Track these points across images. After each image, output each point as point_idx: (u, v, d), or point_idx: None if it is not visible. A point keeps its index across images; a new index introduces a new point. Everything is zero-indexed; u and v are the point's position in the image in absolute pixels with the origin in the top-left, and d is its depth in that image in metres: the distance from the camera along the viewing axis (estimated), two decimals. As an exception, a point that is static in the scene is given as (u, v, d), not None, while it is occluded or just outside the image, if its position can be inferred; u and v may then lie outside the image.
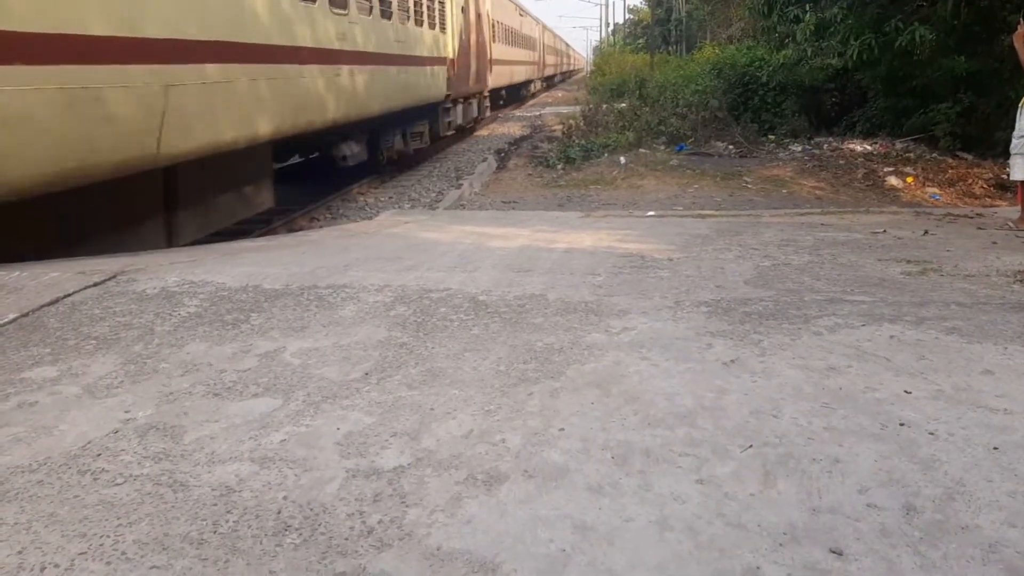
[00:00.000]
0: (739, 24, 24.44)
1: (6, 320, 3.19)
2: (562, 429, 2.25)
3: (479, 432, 2.25)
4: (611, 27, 76.35)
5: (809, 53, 12.94)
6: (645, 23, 54.23)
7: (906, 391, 2.54)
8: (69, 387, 2.58)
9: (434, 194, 11.86)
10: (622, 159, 13.03)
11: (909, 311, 3.39)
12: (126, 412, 2.40)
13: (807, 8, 12.78)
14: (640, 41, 54.40)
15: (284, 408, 2.44)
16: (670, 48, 39.54)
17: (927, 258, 4.83)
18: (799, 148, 13.86)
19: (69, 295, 3.51)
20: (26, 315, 3.25)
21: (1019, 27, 6.48)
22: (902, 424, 2.30)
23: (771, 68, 14.87)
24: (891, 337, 3.04)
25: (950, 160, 12.45)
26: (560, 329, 3.14)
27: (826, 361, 2.77)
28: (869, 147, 13.35)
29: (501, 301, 3.58)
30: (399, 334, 3.12)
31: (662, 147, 14.11)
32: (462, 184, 11.86)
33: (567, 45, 78.46)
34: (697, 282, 3.96)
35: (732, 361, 2.75)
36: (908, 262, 4.67)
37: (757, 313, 3.33)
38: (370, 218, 9.03)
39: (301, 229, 8.85)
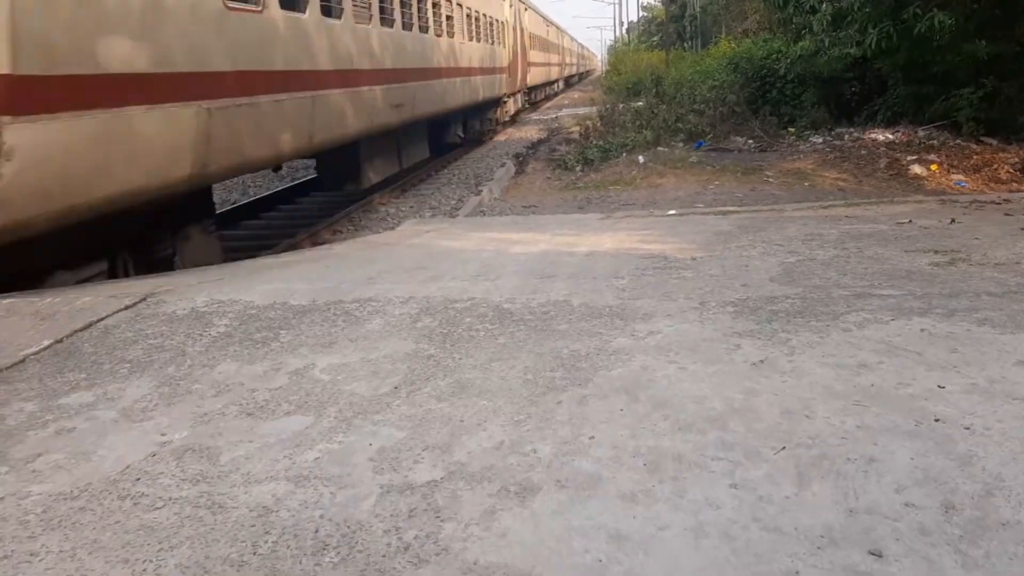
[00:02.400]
0: (754, 17, 24.26)
1: (41, 347, 3.25)
2: (592, 437, 2.25)
3: (510, 443, 2.26)
4: (625, 25, 76.21)
5: (827, 43, 12.79)
6: (659, 20, 54.01)
7: (939, 386, 2.51)
8: (106, 412, 2.63)
9: (454, 201, 11.91)
10: (641, 158, 12.99)
11: (939, 303, 3.35)
12: (162, 435, 2.44)
13: (823, -2, 12.65)
14: (655, 39, 54.20)
15: (316, 425, 2.46)
16: (685, 44, 39.36)
17: (955, 248, 4.77)
18: (820, 140, 13.72)
19: (102, 319, 3.57)
20: (60, 341, 3.32)
21: None
22: (937, 420, 2.27)
23: (789, 60, 14.75)
24: (922, 331, 3.00)
25: (974, 146, 12.27)
26: (586, 335, 3.14)
27: (856, 358, 2.74)
28: (891, 136, 13.19)
29: (525, 308, 3.59)
30: (426, 346, 3.14)
31: (681, 144, 14.04)
32: (481, 190, 11.89)
33: (582, 46, 79.54)
34: (722, 281, 3.94)
35: (761, 361, 2.74)
36: (936, 252, 4.61)
37: (784, 311, 3.30)
38: (392, 228, 9.09)
39: (325, 241, 8.94)
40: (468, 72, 16.78)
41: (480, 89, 18.37)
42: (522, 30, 26.36)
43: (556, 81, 45.15)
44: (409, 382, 2.77)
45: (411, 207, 11.59)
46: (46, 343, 3.28)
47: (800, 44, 14.21)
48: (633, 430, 2.27)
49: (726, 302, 3.49)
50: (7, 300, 3.92)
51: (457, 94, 15.77)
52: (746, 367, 2.70)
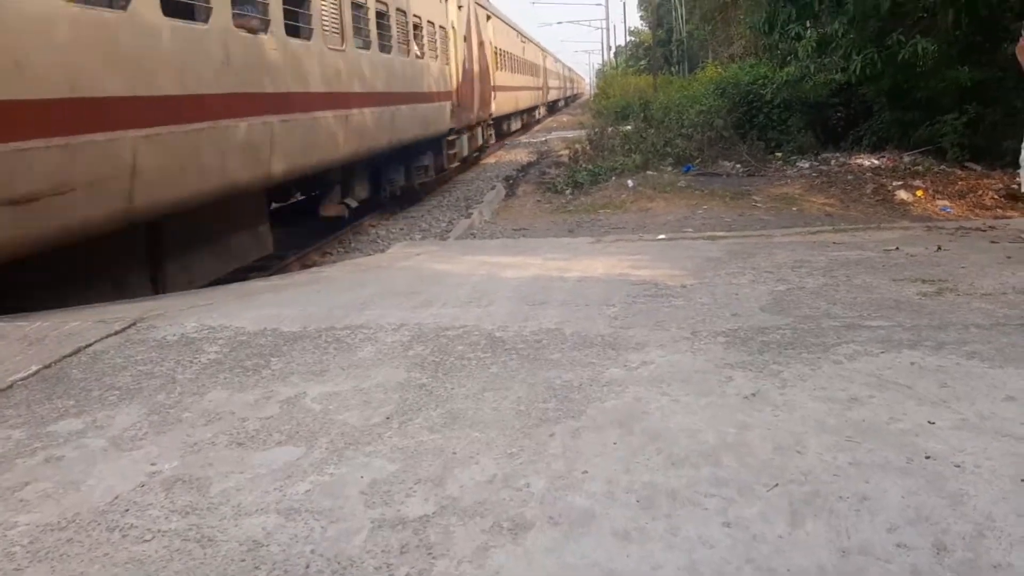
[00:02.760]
0: (740, 43, 24.58)
1: (30, 372, 3.22)
2: (586, 472, 2.25)
3: (503, 477, 2.25)
4: (613, 50, 77.02)
5: (812, 69, 13.01)
6: (646, 44, 54.62)
7: (930, 421, 2.52)
8: (95, 440, 2.60)
9: (444, 224, 11.94)
10: (630, 182, 13.08)
11: (928, 335, 3.38)
12: (152, 464, 2.42)
13: (808, 25, 12.86)
14: (642, 63, 54.75)
15: (307, 456, 2.45)
16: (672, 68, 39.79)
17: (942, 276, 4.82)
18: (807, 164, 13.88)
19: (91, 344, 3.55)
20: (49, 367, 3.29)
21: (1021, 38, 6.50)
22: (928, 457, 2.29)
23: (775, 85, 14.95)
24: (912, 364, 3.03)
25: (959, 171, 12.44)
26: (578, 365, 3.15)
27: (848, 391, 2.76)
28: (877, 161, 13.36)
29: (518, 337, 3.59)
30: (418, 375, 3.13)
31: (669, 168, 14.16)
32: (472, 213, 11.93)
33: (570, 69, 79.28)
34: (713, 310, 3.96)
35: (753, 394, 2.75)
36: (923, 281, 4.65)
37: (775, 342, 3.32)
38: (382, 251, 9.09)
39: (315, 264, 8.92)
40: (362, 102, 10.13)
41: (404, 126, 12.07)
42: (482, 43, 19.73)
43: (535, 108, 38.57)
44: (401, 412, 2.77)
45: (401, 229, 11.61)
46: (34, 368, 3.25)
47: (786, 70, 14.42)
48: (627, 464, 2.27)
49: (717, 332, 3.51)
50: (-6, 324, 3.89)
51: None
52: (738, 400, 2.71)
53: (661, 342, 3.39)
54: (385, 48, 11.24)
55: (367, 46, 10.50)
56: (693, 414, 2.60)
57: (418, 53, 13.19)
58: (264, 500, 2.19)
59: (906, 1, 11.85)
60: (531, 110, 36.65)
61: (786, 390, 2.79)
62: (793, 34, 12.95)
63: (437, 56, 14.43)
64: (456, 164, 16.49)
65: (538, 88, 38.53)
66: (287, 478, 2.32)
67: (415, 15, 12.91)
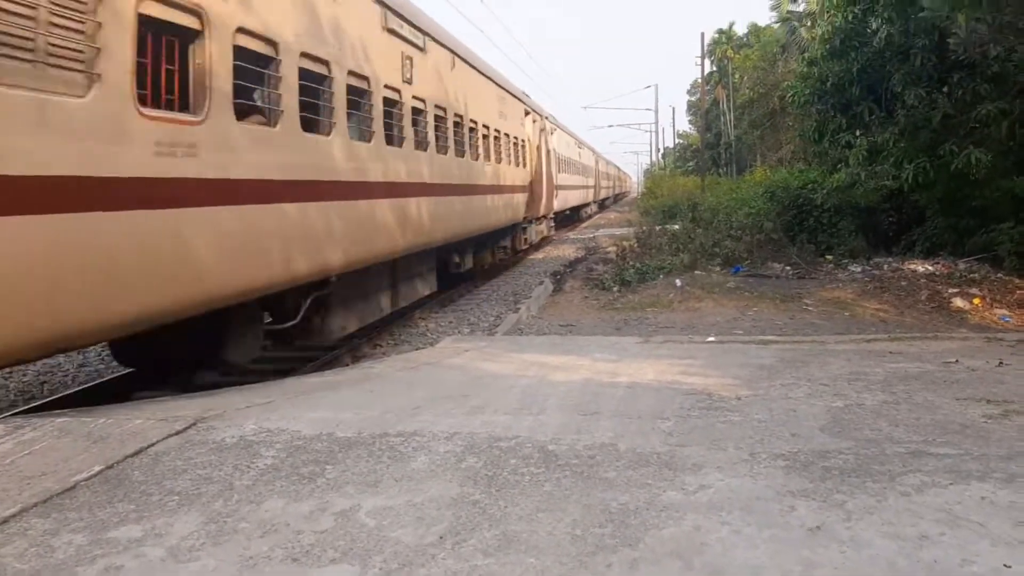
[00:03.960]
0: (789, 147, 24.89)
1: (92, 473, 3.29)
2: (646, 608, 2.19)
3: (560, 610, 2.20)
4: (661, 151, 78.60)
5: (863, 176, 13.05)
6: (694, 146, 55.64)
7: (1005, 565, 2.41)
8: (153, 549, 2.62)
9: (492, 318, 12.02)
10: (678, 281, 13.08)
11: (997, 466, 3.26)
12: (208, 579, 2.43)
13: (858, 134, 12.99)
14: (690, 164, 55.69)
15: (362, 577, 2.43)
16: (720, 170, 40.34)
17: (1007, 396, 4.67)
18: (858, 269, 13.76)
19: (152, 444, 3.62)
20: (111, 467, 3.35)
21: None
22: (1007, 606, 2.17)
23: (825, 191, 15.00)
24: (982, 498, 2.91)
25: (1017, 280, 12.19)
26: (634, 486, 3.10)
27: (917, 528, 2.66)
28: (931, 267, 13.18)
29: (571, 451, 3.56)
30: (471, 490, 3.11)
31: (718, 269, 14.15)
32: (519, 308, 12.00)
33: (618, 169, 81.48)
34: (771, 428, 3.88)
35: (817, 527, 2.66)
36: (988, 402, 4.52)
37: (838, 468, 3.23)
38: (431, 344, 9.17)
39: (365, 355, 9.03)
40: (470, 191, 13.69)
41: (490, 213, 15.33)
42: (549, 151, 23.85)
43: (588, 204, 42.86)
44: (454, 531, 2.74)
45: (450, 322, 11.72)
46: (97, 469, 3.32)
47: (836, 176, 14.49)
48: (688, 602, 2.21)
49: (777, 454, 3.43)
50: (61, 419, 4.01)
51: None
52: (802, 533, 2.63)
53: (719, 464, 3.32)
54: (489, 158, 15.35)
55: (487, 157, 15.10)
56: (755, 547, 2.53)
57: (510, 161, 17.58)
58: (319, 623, 2.17)
59: (958, 113, 11.93)
60: (584, 206, 40.88)
61: (852, 524, 2.70)
62: (843, 142, 13.10)
63: (518, 163, 18.62)
64: (526, 247, 20.59)
65: (590, 187, 42.33)
66: (341, 600, 2.30)
67: (506, 133, 17.18)
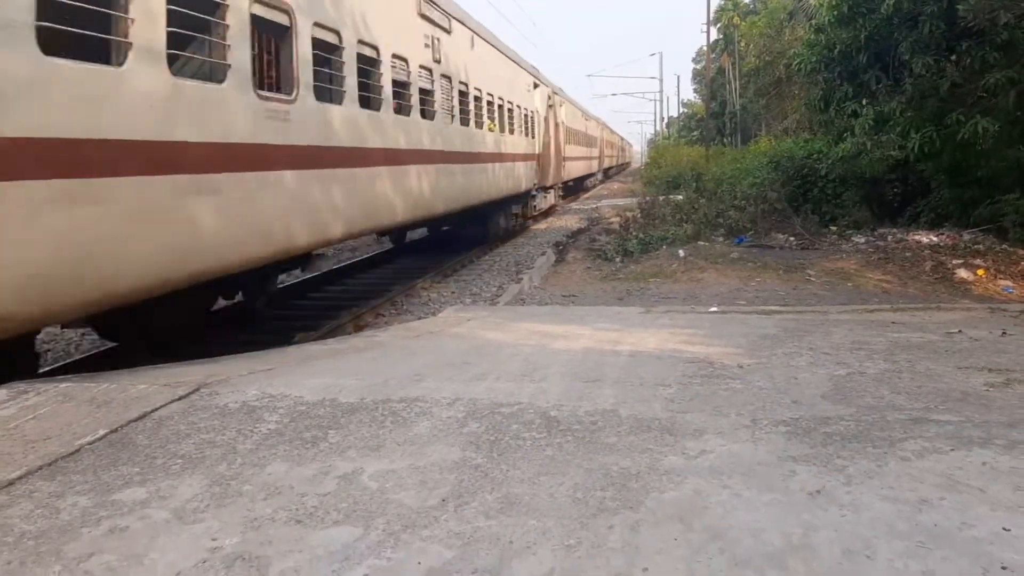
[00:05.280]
0: (794, 117, 24.65)
1: (97, 436, 3.31)
2: (646, 569, 2.20)
3: (561, 571, 2.22)
4: (665, 120, 77.93)
5: (868, 146, 12.93)
6: (699, 116, 55.14)
7: (1005, 528, 2.42)
8: (158, 511, 2.64)
9: (494, 288, 12.01)
10: (681, 252, 13.05)
11: (999, 433, 3.26)
12: (213, 540, 2.45)
13: (864, 103, 12.85)
14: (695, 134, 55.20)
15: (365, 538, 2.45)
16: (725, 140, 40.00)
17: (1009, 365, 4.67)
18: (862, 240, 13.70)
19: (156, 409, 3.64)
20: (115, 431, 3.37)
21: None
22: (1004, 568, 2.19)
23: (830, 161, 14.88)
24: (983, 464, 2.92)
25: (1021, 251, 12.14)
26: (635, 451, 3.11)
27: (917, 492, 2.67)
28: (935, 238, 13.13)
29: (573, 417, 3.57)
30: (473, 455, 3.13)
31: (721, 239, 14.12)
32: (522, 278, 12.00)
33: (621, 139, 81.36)
34: (772, 395, 3.89)
35: (818, 491, 2.68)
36: (990, 371, 4.52)
37: (839, 434, 3.24)
38: (434, 314, 9.18)
39: (368, 325, 9.04)
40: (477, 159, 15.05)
41: (498, 182, 16.45)
42: (557, 124, 24.86)
43: (594, 174, 44.26)
44: (457, 495, 2.76)
45: (452, 292, 11.72)
46: (101, 432, 3.34)
47: (841, 145, 14.36)
48: (688, 563, 2.22)
49: (778, 420, 3.44)
50: (64, 385, 4.02)
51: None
52: (803, 497, 2.64)
53: (720, 429, 3.33)
54: (504, 129, 16.97)
55: (502, 129, 16.78)
56: (756, 511, 2.54)
57: (523, 132, 19.34)
58: (322, 583, 2.19)
59: (965, 82, 11.78)
60: (590, 175, 41.95)
61: (852, 488, 2.71)
62: (849, 111, 12.96)
63: (525, 133, 19.75)
64: (536, 214, 22.22)
65: (596, 157, 43.70)
66: (345, 560, 2.32)
67: (518, 106, 18.75)
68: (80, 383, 4.10)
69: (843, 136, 13.87)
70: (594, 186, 44.74)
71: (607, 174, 56.88)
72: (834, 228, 14.59)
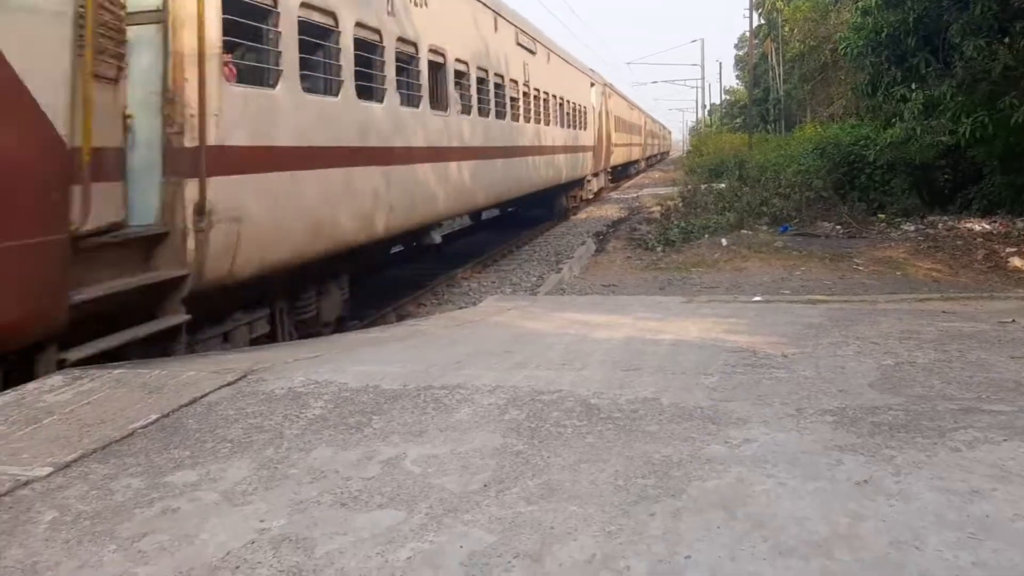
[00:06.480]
0: (840, 102, 24.12)
1: (149, 421, 3.40)
2: (688, 557, 2.19)
3: (602, 556, 2.22)
4: (707, 108, 76.84)
5: (918, 131, 12.60)
6: (742, 103, 54.25)
7: (1061, 520, 2.35)
8: (208, 493, 2.71)
9: (534, 278, 12.03)
10: (723, 241, 12.90)
11: (1055, 423, 3.17)
12: (261, 521, 2.50)
13: (914, 87, 12.52)
14: (737, 121, 54.32)
15: (408, 522, 2.48)
16: (768, 127, 39.31)
17: (1067, 356, 4.52)
18: (912, 227, 13.39)
19: (205, 395, 3.72)
20: (167, 415, 3.47)
21: None
22: (1060, 560, 2.13)
23: (878, 147, 14.53)
24: (1038, 455, 2.84)
25: (1080, 239, 11.74)
26: (677, 439, 3.09)
27: (968, 483, 2.61)
28: (988, 226, 12.77)
29: (613, 405, 3.57)
30: (514, 441, 3.14)
31: (765, 228, 13.91)
32: (562, 268, 11.99)
33: (663, 127, 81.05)
34: (817, 385, 3.83)
35: (865, 481, 2.63)
36: (1046, 361, 4.38)
37: (887, 424, 3.18)
38: (474, 303, 9.23)
39: (410, 315, 9.13)
40: (553, 151, 18.32)
41: (564, 169, 19.66)
42: (607, 114, 27.51)
43: (638, 161, 46.34)
44: (498, 480, 2.77)
45: (492, 282, 11.76)
46: (153, 417, 3.43)
47: (890, 131, 14.01)
48: (732, 551, 2.21)
49: (824, 410, 3.39)
50: (117, 371, 4.14)
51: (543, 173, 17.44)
52: (849, 486, 2.60)
53: (764, 418, 3.30)
54: (565, 124, 19.75)
55: (569, 124, 20.44)
56: (801, 499, 2.51)
57: (581, 126, 22.49)
58: (366, 566, 2.23)
59: (1019, 64, 11.39)
60: (634, 163, 44.12)
61: (900, 478, 2.66)
62: (898, 96, 12.63)
63: (584, 127, 22.94)
64: (591, 196, 25.15)
65: (640, 144, 45.87)
66: (388, 543, 2.35)
67: (580, 104, 22.28)
68: (133, 369, 4.21)
69: (891, 121, 13.54)
70: (637, 173, 46.04)
71: (649, 162, 57.90)
72: (882, 216, 14.28)
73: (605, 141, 26.96)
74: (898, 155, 14.38)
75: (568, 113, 20.16)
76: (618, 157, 33.16)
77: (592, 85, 24.76)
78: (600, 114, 25.92)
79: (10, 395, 3.78)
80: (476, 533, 2.39)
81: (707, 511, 2.46)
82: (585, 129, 23.12)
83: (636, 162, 45.32)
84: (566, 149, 19.78)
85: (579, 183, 22.82)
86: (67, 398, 3.74)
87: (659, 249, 13.01)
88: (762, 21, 42.25)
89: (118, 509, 2.62)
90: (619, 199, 27.84)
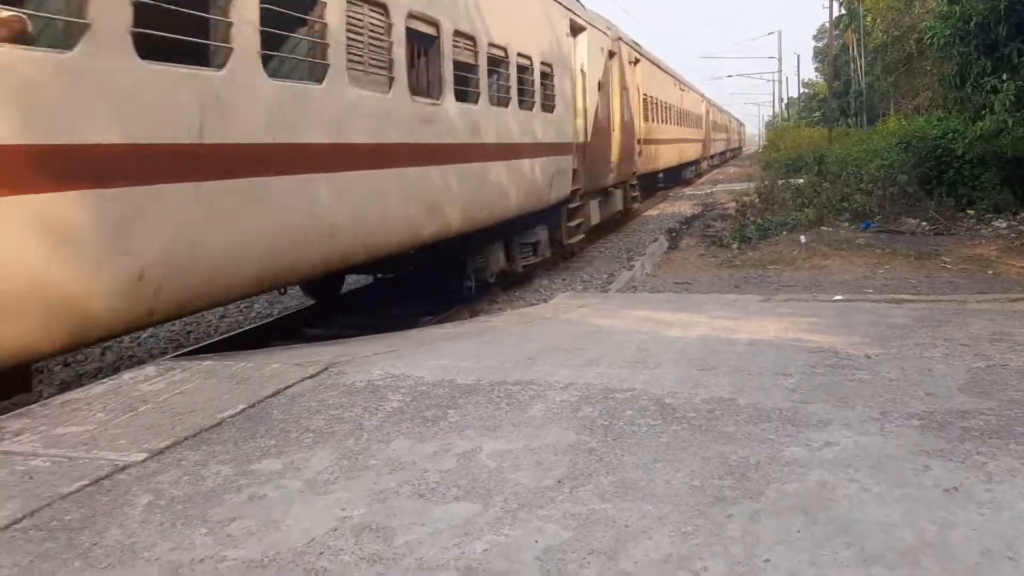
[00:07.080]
0: (926, 95, 23.14)
1: (236, 411, 3.55)
2: (767, 560, 2.16)
3: (678, 557, 2.21)
4: (785, 101, 74.82)
5: (1010, 124, 11.96)
6: (821, 96, 52.61)
7: None
8: (292, 481, 2.82)
9: (605, 275, 11.95)
10: (802, 238, 12.53)
11: None
12: (342, 510, 2.58)
13: (1005, 78, 11.90)
14: (816, 115, 52.72)
15: (484, 515, 2.52)
16: (849, 121, 38.01)
17: None
18: (1003, 224, 12.76)
19: (289, 386, 3.86)
20: (253, 406, 3.61)
21: None
22: None
23: (967, 140, 13.86)
24: None
25: None
26: (755, 440, 3.05)
27: (1067, 493, 2.49)
28: (1089, 222, 12.04)
29: (688, 405, 3.53)
30: (587, 438, 3.15)
31: (846, 225, 13.46)
32: (633, 265, 11.88)
33: (737, 121, 76.73)
34: (903, 387, 3.71)
35: (955, 488, 2.54)
36: None
37: (978, 429, 3.06)
38: (545, 300, 9.24)
39: (482, 311, 9.22)
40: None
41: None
42: (625, 88, 16.63)
43: (696, 162, 34.89)
44: (572, 476, 2.79)
45: (563, 279, 11.75)
46: (241, 407, 3.58)
47: (979, 124, 13.34)
48: (812, 556, 2.17)
49: (910, 414, 3.28)
50: (207, 363, 4.33)
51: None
52: (937, 493, 2.51)
53: (846, 421, 3.21)
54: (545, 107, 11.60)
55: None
56: (886, 505, 2.44)
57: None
58: (444, 556, 2.27)
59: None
60: (689, 165, 32.90)
61: (992, 486, 2.56)
62: (988, 87, 12.03)
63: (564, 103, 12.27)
64: (582, 235, 13.52)
65: (699, 140, 35.28)
66: (465, 535, 2.39)
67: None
68: (221, 361, 4.40)
69: (981, 114, 12.87)
70: (703, 172, 37.76)
71: (720, 159, 49.20)
72: (971, 212, 13.64)
73: (618, 136, 15.42)
74: (988, 148, 13.66)
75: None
76: (654, 159, 21.84)
77: (577, 31, 12.89)
78: (607, 87, 14.80)
79: (107, 383, 4.00)
80: (551, 528, 2.42)
81: (786, 514, 2.42)
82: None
83: (693, 163, 33.94)
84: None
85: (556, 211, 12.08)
86: (160, 387, 3.93)
87: (734, 246, 12.73)
88: (843, 11, 40.87)
89: (208, 494, 2.74)
90: (692, 195, 27.38)
